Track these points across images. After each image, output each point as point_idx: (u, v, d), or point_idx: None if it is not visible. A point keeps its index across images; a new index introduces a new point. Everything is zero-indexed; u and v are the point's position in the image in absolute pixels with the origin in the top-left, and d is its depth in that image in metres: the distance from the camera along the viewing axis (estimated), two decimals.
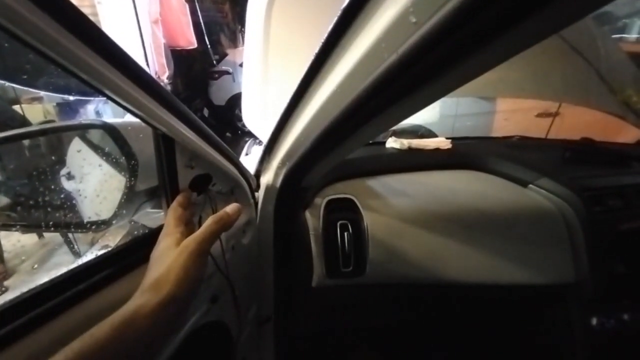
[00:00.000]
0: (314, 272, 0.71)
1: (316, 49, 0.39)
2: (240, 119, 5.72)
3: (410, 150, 0.97)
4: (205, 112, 5.12)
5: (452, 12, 0.23)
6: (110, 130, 0.52)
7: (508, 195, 0.82)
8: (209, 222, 0.42)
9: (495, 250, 0.73)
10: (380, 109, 0.37)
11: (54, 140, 0.61)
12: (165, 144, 0.47)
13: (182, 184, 0.54)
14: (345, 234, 0.71)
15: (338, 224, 0.72)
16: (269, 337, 0.87)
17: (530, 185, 0.84)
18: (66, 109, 2.67)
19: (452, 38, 0.25)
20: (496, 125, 2.87)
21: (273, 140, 0.66)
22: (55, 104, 2.55)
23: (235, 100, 5.29)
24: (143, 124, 0.46)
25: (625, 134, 1.50)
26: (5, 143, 0.56)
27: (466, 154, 0.98)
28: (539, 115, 2.66)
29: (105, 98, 0.34)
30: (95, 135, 0.56)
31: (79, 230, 0.55)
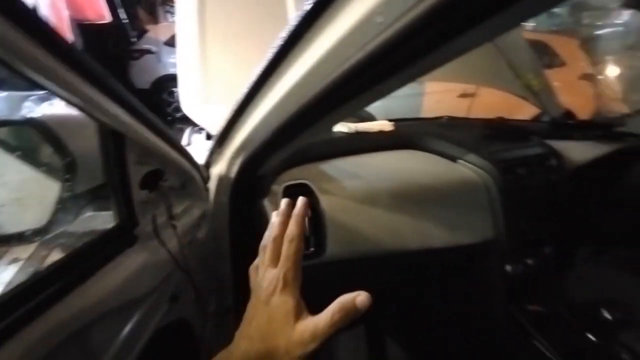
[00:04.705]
0: None
1: (275, 41, 0.39)
2: (169, 104, 5.22)
3: (357, 133, 1.03)
4: None
5: (419, 15, 0.26)
6: (38, 126, 0.45)
7: (441, 170, 0.93)
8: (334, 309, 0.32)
9: (432, 219, 0.83)
10: (343, 100, 0.39)
11: None
12: (115, 140, 0.43)
13: (133, 181, 0.50)
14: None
15: None
16: (231, 328, 0.87)
17: (459, 160, 0.96)
18: None
19: (417, 38, 0.28)
20: (426, 106, 3.16)
21: (226, 130, 0.64)
22: None
23: (162, 83, 4.79)
24: (81, 118, 0.42)
25: (527, 111, 1.79)
26: None
27: (406, 135, 1.07)
28: (461, 95, 3.00)
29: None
30: (17, 133, 0.48)
31: (6, 243, 0.48)
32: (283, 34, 0.37)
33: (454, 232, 0.86)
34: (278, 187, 0.77)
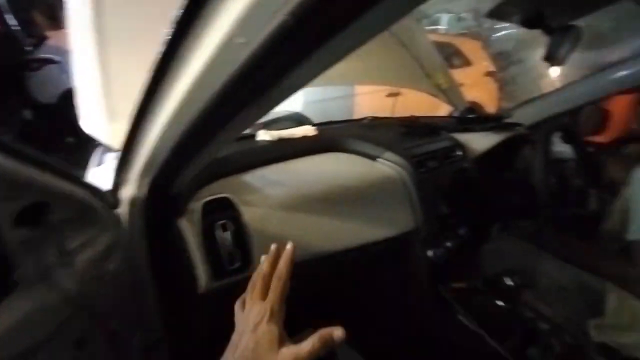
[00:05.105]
0: (199, 279, 0.70)
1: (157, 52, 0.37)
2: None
3: (280, 140, 1.03)
4: (28, 113, 3.92)
5: (275, 31, 0.26)
6: None
7: (362, 170, 0.98)
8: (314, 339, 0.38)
9: (357, 217, 0.88)
10: (230, 115, 0.38)
11: None
12: None
13: (2, 220, 0.43)
14: (226, 233, 0.71)
15: (217, 225, 0.71)
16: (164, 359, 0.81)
17: (378, 159, 1.03)
18: None
19: (280, 51, 0.29)
20: (358, 106, 3.32)
21: (127, 149, 0.59)
22: None
23: (71, 96, 4.25)
24: None
25: (446, 107, 1.98)
26: None
27: (328, 138, 1.10)
28: (388, 95, 3.23)
29: None
30: None
31: None
32: (159, 50, 0.35)
33: (379, 227, 0.92)
34: (196, 204, 0.73)
